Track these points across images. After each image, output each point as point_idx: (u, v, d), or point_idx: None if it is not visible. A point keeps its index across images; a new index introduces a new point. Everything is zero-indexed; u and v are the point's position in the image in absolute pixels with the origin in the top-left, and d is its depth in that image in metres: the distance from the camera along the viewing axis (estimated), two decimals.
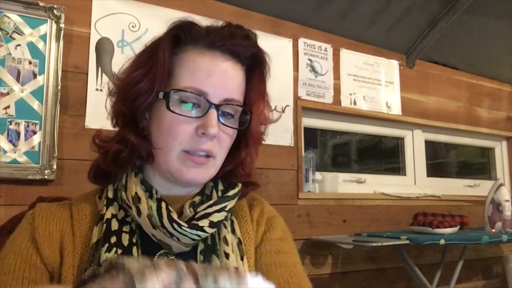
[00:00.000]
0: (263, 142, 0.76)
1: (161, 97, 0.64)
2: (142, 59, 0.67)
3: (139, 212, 0.63)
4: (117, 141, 0.67)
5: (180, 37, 0.66)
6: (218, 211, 0.66)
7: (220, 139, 0.65)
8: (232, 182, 0.73)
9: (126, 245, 0.62)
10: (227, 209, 0.68)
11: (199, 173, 0.64)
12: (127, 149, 0.66)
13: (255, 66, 0.71)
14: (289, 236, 0.77)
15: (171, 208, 0.64)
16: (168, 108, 0.62)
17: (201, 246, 0.66)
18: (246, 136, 0.70)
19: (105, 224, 0.63)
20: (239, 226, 0.72)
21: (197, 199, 0.69)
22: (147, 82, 0.64)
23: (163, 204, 0.64)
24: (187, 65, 0.65)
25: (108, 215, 0.65)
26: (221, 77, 0.64)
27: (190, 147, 0.63)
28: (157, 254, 0.64)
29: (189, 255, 0.65)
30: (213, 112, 0.63)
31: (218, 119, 0.63)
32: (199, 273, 0.36)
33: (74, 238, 0.64)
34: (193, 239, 0.63)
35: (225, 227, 0.69)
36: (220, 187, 0.72)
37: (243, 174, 0.74)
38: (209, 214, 0.65)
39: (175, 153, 0.63)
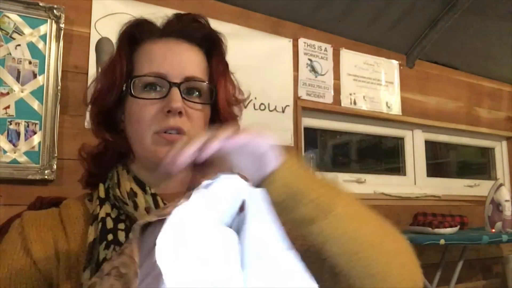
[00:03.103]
0: None
1: (125, 89, 0.67)
2: (105, 65, 0.72)
3: (136, 206, 0.64)
4: (99, 146, 0.71)
5: (134, 35, 0.71)
6: None
7: (190, 116, 0.65)
8: None
9: (123, 242, 0.62)
10: None
11: None
12: (108, 151, 0.69)
13: (212, 48, 0.72)
14: None
15: (166, 202, 0.65)
16: (131, 94, 0.65)
17: None
18: (218, 116, 0.71)
19: (100, 223, 0.63)
20: None
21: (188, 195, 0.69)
22: (109, 81, 0.68)
23: (159, 198, 0.65)
24: (144, 56, 0.68)
25: (102, 214, 0.65)
26: (176, 57, 0.67)
27: (159, 127, 0.64)
28: None
29: None
30: (175, 90, 0.64)
31: (182, 96, 0.65)
32: None
33: (68, 241, 0.64)
34: None
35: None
36: None
37: None
38: None
39: (148, 137, 0.64)
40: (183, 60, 0.67)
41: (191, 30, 0.70)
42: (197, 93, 0.68)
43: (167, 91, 0.64)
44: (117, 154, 0.70)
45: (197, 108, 0.67)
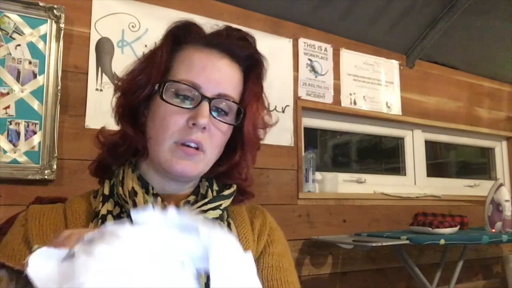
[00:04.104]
0: (263, 142, 0.76)
1: (157, 89, 0.66)
2: (143, 57, 0.71)
3: (135, 206, 0.64)
4: (117, 135, 0.70)
5: (179, 36, 0.69)
6: (213, 209, 0.68)
7: (212, 134, 0.65)
8: (227, 183, 0.74)
9: None
10: (222, 207, 0.69)
11: (188, 165, 0.64)
12: (125, 143, 0.69)
13: (251, 68, 0.72)
14: (289, 250, 0.78)
15: (166, 203, 0.65)
16: (161, 97, 0.64)
17: None
18: (241, 138, 0.71)
19: (100, 220, 0.64)
20: (237, 230, 0.72)
21: (191, 198, 0.70)
22: (145, 76, 0.67)
23: (159, 199, 0.65)
24: (184, 61, 0.67)
25: (103, 211, 0.65)
26: (215, 72, 0.66)
27: (180, 137, 0.64)
28: None
29: None
30: (205, 104, 0.64)
31: (210, 112, 0.64)
32: None
33: None
34: None
35: (222, 228, 0.69)
36: (215, 187, 0.73)
37: (239, 178, 0.74)
38: (204, 211, 0.67)
39: (167, 144, 0.64)
40: (221, 76, 0.67)
41: (237, 47, 0.69)
42: (225, 111, 0.67)
43: (197, 103, 0.64)
44: (134, 148, 0.70)
45: (221, 127, 0.67)
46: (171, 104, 0.64)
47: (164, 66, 0.67)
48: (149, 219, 0.40)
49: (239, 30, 0.71)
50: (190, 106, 0.64)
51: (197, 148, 0.64)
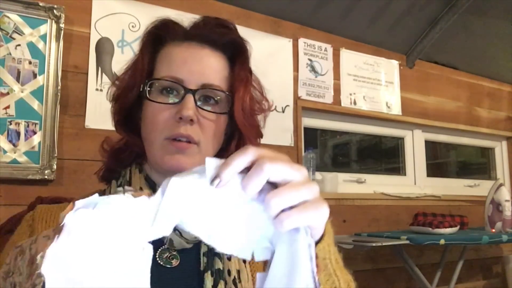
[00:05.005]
0: (263, 142, 0.76)
1: (141, 90, 0.66)
2: (129, 63, 0.72)
3: None
4: (121, 141, 0.72)
5: (160, 35, 0.70)
6: None
7: (202, 125, 0.65)
8: None
9: None
10: None
11: (182, 159, 0.63)
12: (128, 148, 0.70)
13: (236, 54, 0.71)
14: None
15: None
16: (146, 97, 0.65)
17: (204, 248, 0.66)
18: (236, 126, 0.69)
19: None
20: None
21: None
22: (130, 80, 0.68)
23: None
24: (165, 58, 0.67)
25: None
26: (196, 63, 0.66)
27: (169, 133, 0.63)
28: (159, 250, 0.64)
29: (191, 254, 0.65)
30: (189, 97, 0.63)
31: (196, 104, 0.64)
32: None
33: None
34: (194, 235, 0.63)
35: None
36: None
37: None
38: None
39: (159, 142, 0.64)
40: (203, 67, 0.66)
41: (216, 35, 0.68)
42: (213, 101, 0.66)
43: (181, 97, 0.63)
44: (136, 152, 0.70)
45: (210, 117, 0.65)
46: (157, 102, 0.64)
47: (148, 67, 0.67)
48: (116, 206, 0.37)
49: (217, 18, 0.70)
50: (176, 101, 0.64)
51: (188, 142, 0.64)
